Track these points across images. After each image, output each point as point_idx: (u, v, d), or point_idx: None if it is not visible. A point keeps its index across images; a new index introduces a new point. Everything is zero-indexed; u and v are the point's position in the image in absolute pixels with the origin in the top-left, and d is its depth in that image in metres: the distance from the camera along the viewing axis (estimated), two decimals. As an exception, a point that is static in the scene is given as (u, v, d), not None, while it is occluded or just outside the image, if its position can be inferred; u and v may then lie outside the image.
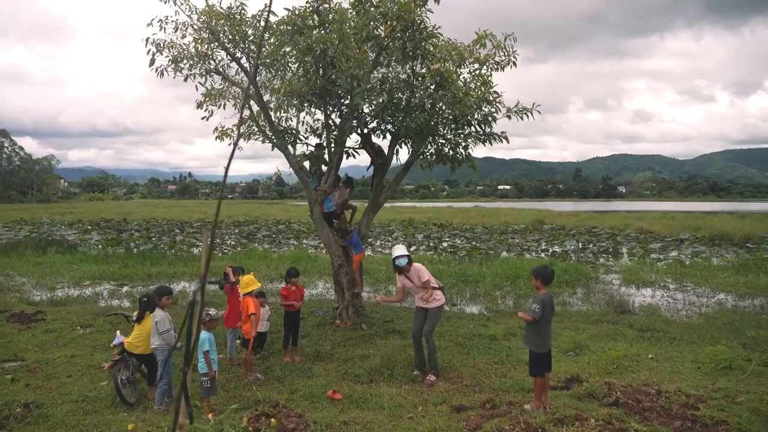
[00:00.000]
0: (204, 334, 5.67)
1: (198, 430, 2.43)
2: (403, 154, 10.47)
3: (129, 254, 18.86)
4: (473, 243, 24.10)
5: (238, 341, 7.32)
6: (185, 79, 9.46)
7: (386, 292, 12.86)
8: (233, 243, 24.82)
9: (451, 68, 7.98)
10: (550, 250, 22.15)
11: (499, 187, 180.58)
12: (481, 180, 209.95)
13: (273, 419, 3.81)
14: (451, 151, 9.19)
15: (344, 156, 9.21)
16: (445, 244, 24.01)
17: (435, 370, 6.41)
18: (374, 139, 9.45)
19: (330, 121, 8.86)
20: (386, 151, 9.55)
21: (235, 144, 1.97)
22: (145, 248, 20.42)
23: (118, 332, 6.58)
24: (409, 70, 8.25)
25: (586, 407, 5.12)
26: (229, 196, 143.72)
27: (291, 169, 10.08)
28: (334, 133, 8.94)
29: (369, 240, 23.24)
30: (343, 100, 8.10)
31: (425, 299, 6.46)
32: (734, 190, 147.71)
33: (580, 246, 22.46)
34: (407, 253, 6.54)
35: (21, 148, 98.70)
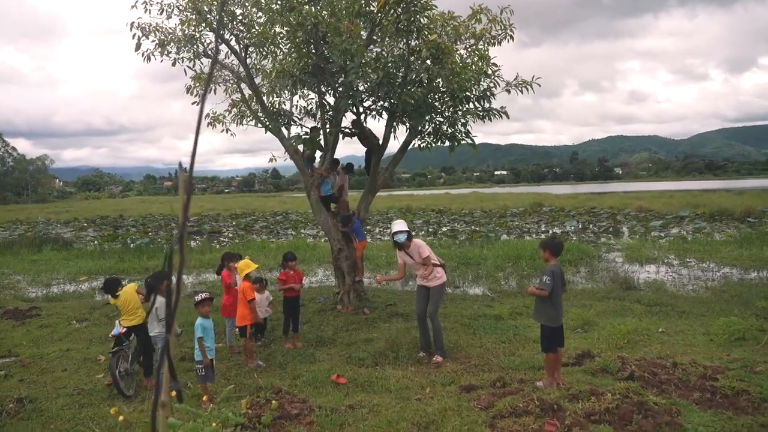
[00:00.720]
0: (198, 321, 5.46)
1: (191, 412, 2.21)
2: (401, 135, 10.22)
3: (125, 249, 18.61)
4: (473, 227, 23.91)
5: (236, 329, 7.11)
6: (173, 64, 9.16)
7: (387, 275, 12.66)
8: (231, 234, 24.57)
9: (447, 42, 7.68)
10: (551, 231, 21.98)
11: (496, 172, 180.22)
12: (478, 166, 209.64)
13: (274, 401, 3.60)
14: (449, 129, 8.94)
15: (340, 137, 8.93)
16: (444, 229, 23.82)
17: (441, 350, 6.22)
18: (370, 121, 9.21)
19: (324, 101, 8.58)
20: (381, 135, 9.31)
21: (203, 99, 1.75)
22: (142, 242, 20.17)
23: (117, 322, 6.37)
24: (403, 46, 7.98)
25: (601, 382, 4.93)
26: (226, 191, 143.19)
27: (286, 153, 9.83)
28: (329, 113, 8.67)
29: (368, 227, 23.03)
30: (337, 77, 7.82)
31: (425, 277, 6.25)
32: (731, 168, 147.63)
33: (581, 226, 22.29)
34: (406, 229, 6.31)
35: (14, 149, 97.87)
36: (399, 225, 6.35)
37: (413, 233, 19.71)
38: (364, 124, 9.13)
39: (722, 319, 6.84)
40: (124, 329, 5.95)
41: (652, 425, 3.79)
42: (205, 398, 4.37)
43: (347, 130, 9.02)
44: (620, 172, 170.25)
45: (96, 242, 21.61)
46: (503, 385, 4.97)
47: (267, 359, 6.57)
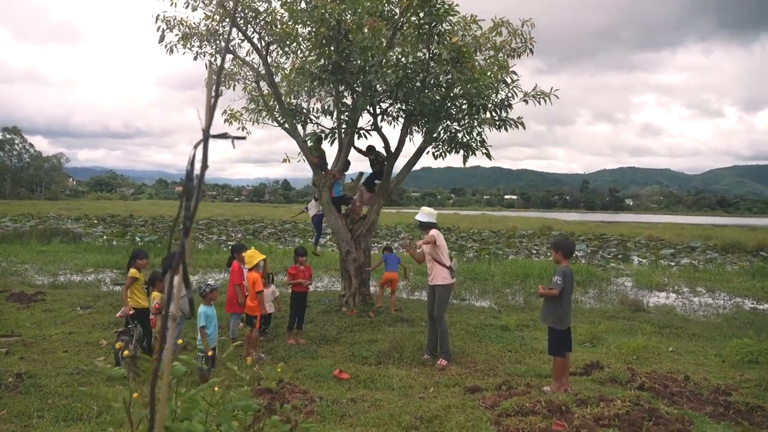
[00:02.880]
0: (201, 308, 5.41)
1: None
2: (415, 142, 10.21)
3: (134, 245, 18.65)
4: (480, 245, 23.75)
5: (241, 324, 7.05)
6: (195, 58, 9.28)
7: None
8: (239, 237, 24.61)
9: (469, 43, 7.70)
10: (559, 254, 21.76)
11: (506, 196, 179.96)
12: (488, 189, 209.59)
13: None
14: (465, 137, 8.94)
15: (356, 137, 8.94)
16: (452, 245, 23.70)
17: (446, 353, 6.10)
18: (385, 127, 9.22)
19: (342, 101, 8.61)
20: (395, 141, 9.34)
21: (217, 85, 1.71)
22: (150, 239, 20.23)
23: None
24: (424, 49, 8.01)
25: (610, 391, 4.80)
26: (236, 199, 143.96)
27: (300, 155, 9.86)
28: (346, 114, 8.70)
29: (375, 240, 22.94)
30: (356, 77, 7.86)
31: (429, 273, 6.24)
32: (743, 205, 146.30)
33: (590, 251, 22.07)
34: (428, 220, 6.33)
35: (31, 145, 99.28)
36: (422, 214, 6.43)
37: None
38: (377, 133, 9.18)
39: (735, 341, 6.68)
40: (132, 310, 5.92)
41: (664, 432, 3.66)
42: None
43: (363, 132, 9.02)
44: (631, 203, 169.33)
45: (105, 237, 21.72)
46: (509, 388, 4.85)
47: (269, 353, 6.48)
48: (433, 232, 6.31)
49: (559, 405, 4.05)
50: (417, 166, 10.17)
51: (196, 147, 1.23)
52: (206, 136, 1.24)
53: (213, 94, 1.20)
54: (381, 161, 9.48)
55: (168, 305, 1.40)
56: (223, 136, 1.28)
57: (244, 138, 1.23)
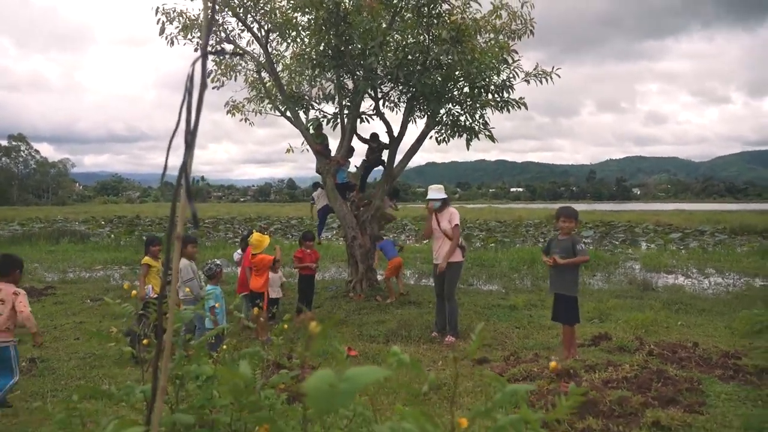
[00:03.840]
0: (209, 288, 5.47)
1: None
2: (417, 127, 10.21)
3: (141, 242, 18.78)
4: (487, 234, 23.73)
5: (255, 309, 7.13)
6: (195, 49, 9.32)
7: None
8: (245, 233, 24.73)
9: (468, 23, 7.69)
10: (567, 241, 21.71)
11: (512, 189, 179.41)
12: (494, 183, 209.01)
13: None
14: (467, 121, 8.93)
15: (358, 122, 8.96)
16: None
17: (454, 330, 6.12)
18: (387, 113, 9.24)
19: (343, 83, 8.62)
20: (398, 126, 9.35)
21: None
22: (159, 236, 20.37)
23: (150, 286, 6.38)
24: (423, 32, 8.00)
25: (618, 358, 4.80)
26: (241, 200, 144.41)
27: (304, 144, 9.89)
28: (347, 98, 8.71)
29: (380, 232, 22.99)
30: (356, 60, 7.87)
31: (438, 252, 6.18)
32: (752, 191, 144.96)
33: (597, 236, 21.99)
34: (443, 196, 6.31)
35: (37, 151, 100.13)
36: (435, 191, 6.37)
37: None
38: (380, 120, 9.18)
39: (744, 312, 6.65)
40: (156, 294, 5.98)
41: (672, 391, 3.67)
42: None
43: (365, 117, 9.03)
44: (638, 192, 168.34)
45: (112, 236, 21.89)
46: (517, 358, 4.87)
47: (276, 335, 6.53)
48: (452, 210, 6.32)
49: (567, 369, 4.06)
50: (422, 161, 10.21)
51: (193, 64, 1.26)
52: (204, 52, 1.26)
53: (209, 11, 1.23)
54: (381, 149, 9.50)
55: (164, 288, 1.34)
56: (222, 52, 1.30)
57: (240, 54, 1.23)
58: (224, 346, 3.18)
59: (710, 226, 26.61)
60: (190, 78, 1.31)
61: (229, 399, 1.97)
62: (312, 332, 0.79)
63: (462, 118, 8.88)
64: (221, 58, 9.70)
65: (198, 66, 1.30)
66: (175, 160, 1.22)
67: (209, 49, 1.32)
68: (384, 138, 9.44)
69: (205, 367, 2.15)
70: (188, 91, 1.29)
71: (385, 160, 9.45)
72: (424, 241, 7.06)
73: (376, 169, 10.01)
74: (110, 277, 12.45)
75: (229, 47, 9.08)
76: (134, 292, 2.89)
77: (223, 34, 9.29)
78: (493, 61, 7.91)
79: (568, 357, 4.73)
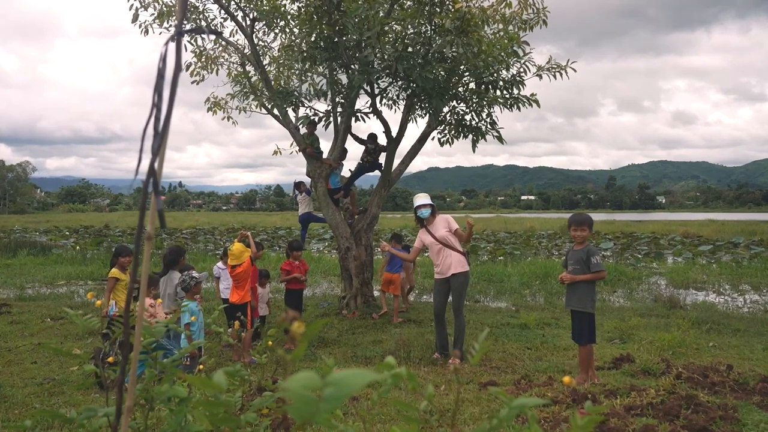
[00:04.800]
0: (186, 302, 5.44)
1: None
2: (417, 126, 10.24)
3: (109, 255, 18.69)
4: (495, 246, 23.74)
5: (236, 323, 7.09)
6: (172, 38, 9.35)
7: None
8: (228, 245, 24.67)
9: (474, 11, 7.74)
10: (585, 254, 21.71)
11: (523, 197, 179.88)
12: (503, 190, 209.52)
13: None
14: (473, 120, 8.96)
15: (353, 120, 8.98)
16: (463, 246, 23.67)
17: (460, 350, 6.07)
18: (385, 111, 9.28)
19: (336, 81, 8.65)
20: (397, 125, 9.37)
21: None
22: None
23: (113, 302, 6.36)
24: (425, 21, 8.06)
25: (642, 382, 4.78)
26: (224, 208, 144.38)
27: (293, 146, 9.91)
28: (341, 94, 8.74)
29: (379, 240, 23.00)
30: (351, 52, 7.91)
31: (441, 264, 6.17)
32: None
33: (618, 249, 22.03)
34: (431, 202, 6.28)
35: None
36: (422, 198, 6.32)
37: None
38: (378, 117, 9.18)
39: (784, 332, 6.64)
40: (118, 312, 5.94)
41: (704, 419, 3.65)
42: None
43: (360, 115, 9.05)
44: (663, 200, 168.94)
45: (78, 247, 21.79)
46: (529, 381, 4.84)
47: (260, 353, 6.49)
48: (443, 216, 6.32)
49: (585, 394, 4.04)
50: (423, 166, 10.23)
51: (167, 44, 1.26)
52: (179, 31, 1.25)
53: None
54: (378, 152, 9.48)
55: (128, 303, 1.36)
56: (199, 30, 1.30)
57: (219, 34, 1.23)
58: (201, 366, 3.16)
59: (745, 238, 26.70)
60: (163, 59, 1.31)
61: (206, 424, 1.94)
62: (295, 334, 0.77)
63: (467, 117, 8.91)
64: (201, 46, 9.74)
65: (172, 46, 1.31)
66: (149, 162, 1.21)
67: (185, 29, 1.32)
68: (382, 140, 9.45)
69: (179, 388, 2.12)
70: (160, 73, 1.29)
71: (383, 164, 9.46)
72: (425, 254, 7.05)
73: (369, 173, 9.98)
74: (74, 294, 12.39)
75: (210, 38, 9.12)
76: (99, 301, 2.88)
77: (203, 23, 9.35)
78: (502, 53, 7.95)
79: (586, 380, 4.71)
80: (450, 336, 6.41)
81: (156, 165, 1.30)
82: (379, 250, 6.99)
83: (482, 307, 10.40)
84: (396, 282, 8.88)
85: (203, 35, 8.77)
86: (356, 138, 9.62)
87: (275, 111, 9.32)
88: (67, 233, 34.15)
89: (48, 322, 9.00)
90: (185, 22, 1.18)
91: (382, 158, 9.52)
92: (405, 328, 7.77)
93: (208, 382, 1.02)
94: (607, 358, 5.93)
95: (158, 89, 1.29)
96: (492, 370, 5.72)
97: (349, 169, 9.91)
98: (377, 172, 9.69)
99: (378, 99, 8.84)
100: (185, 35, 1.35)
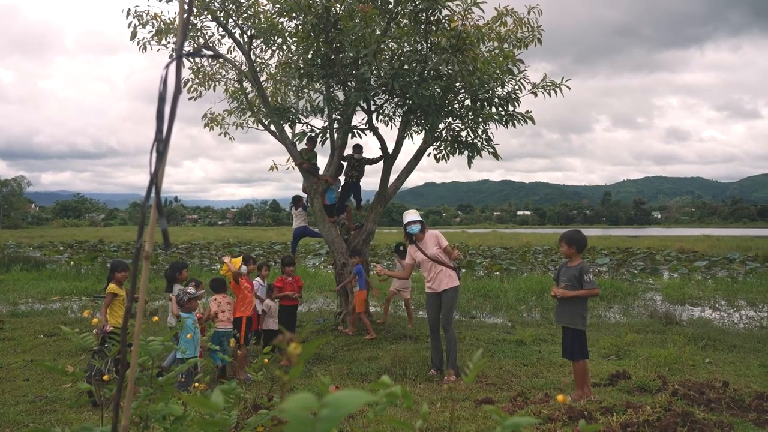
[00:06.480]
0: (184, 315, 5.44)
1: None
2: (413, 142, 10.32)
3: (104, 270, 18.63)
4: (491, 261, 23.75)
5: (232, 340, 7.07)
6: (171, 56, 9.43)
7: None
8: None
9: (469, 29, 7.84)
10: (581, 269, 21.73)
11: (519, 212, 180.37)
12: (498, 205, 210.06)
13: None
14: (469, 136, 9.03)
15: (349, 136, 9.04)
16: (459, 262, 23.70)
17: (454, 366, 6.07)
18: (381, 127, 9.30)
19: (333, 95, 8.72)
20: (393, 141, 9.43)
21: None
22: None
23: (106, 319, 6.36)
24: (421, 39, 8.15)
25: (638, 399, 4.78)
26: (219, 223, 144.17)
27: (290, 162, 9.95)
28: (337, 111, 8.80)
29: (375, 258, 22.98)
30: (348, 69, 7.99)
31: (433, 279, 6.19)
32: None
33: (614, 264, 22.06)
34: (420, 219, 6.30)
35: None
36: (412, 215, 6.34)
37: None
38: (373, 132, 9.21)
39: (781, 348, 6.65)
40: (111, 328, 5.91)
41: (700, 437, 3.65)
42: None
43: (357, 131, 9.11)
44: (659, 216, 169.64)
45: (72, 263, 21.69)
46: (525, 398, 4.84)
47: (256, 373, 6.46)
48: (432, 232, 6.35)
49: (581, 411, 4.03)
50: (419, 182, 10.25)
51: (167, 67, 1.29)
52: (179, 54, 1.29)
53: (185, 12, 1.26)
54: (363, 164, 9.33)
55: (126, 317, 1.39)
56: (197, 53, 1.32)
57: (220, 56, 1.26)
58: (196, 384, 3.15)
59: (740, 253, 26.80)
60: (164, 81, 1.34)
61: (200, 443, 1.94)
62: (291, 355, 0.79)
63: (463, 134, 8.99)
64: (199, 62, 9.82)
65: (172, 68, 1.34)
66: (145, 179, 1.22)
67: (185, 51, 1.35)
68: (370, 153, 9.41)
69: (174, 407, 2.12)
70: (161, 96, 1.32)
71: (361, 187, 9.50)
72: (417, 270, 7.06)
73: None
74: (68, 309, 12.30)
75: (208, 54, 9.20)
76: (95, 319, 2.88)
77: (201, 40, 9.42)
78: (497, 71, 8.04)
79: (581, 397, 4.71)
80: (445, 352, 6.41)
81: (157, 183, 1.33)
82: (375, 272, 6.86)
83: (478, 323, 10.40)
84: (359, 299, 8.66)
85: (202, 55, 8.84)
86: (341, 157, 9.47)
87: (272, 127, 9.39)
88: (62, 248, 33.98)
89: (41, 338, 8.95)
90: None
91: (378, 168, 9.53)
92: (401, 344, 7.76)
93: (204, 401, 1.03)
94: (603, 375, 5.93)
95: (160, 113, 1.32)
96: (488, 386, 5.71)
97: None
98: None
99: (374, 115, 8.91)
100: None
